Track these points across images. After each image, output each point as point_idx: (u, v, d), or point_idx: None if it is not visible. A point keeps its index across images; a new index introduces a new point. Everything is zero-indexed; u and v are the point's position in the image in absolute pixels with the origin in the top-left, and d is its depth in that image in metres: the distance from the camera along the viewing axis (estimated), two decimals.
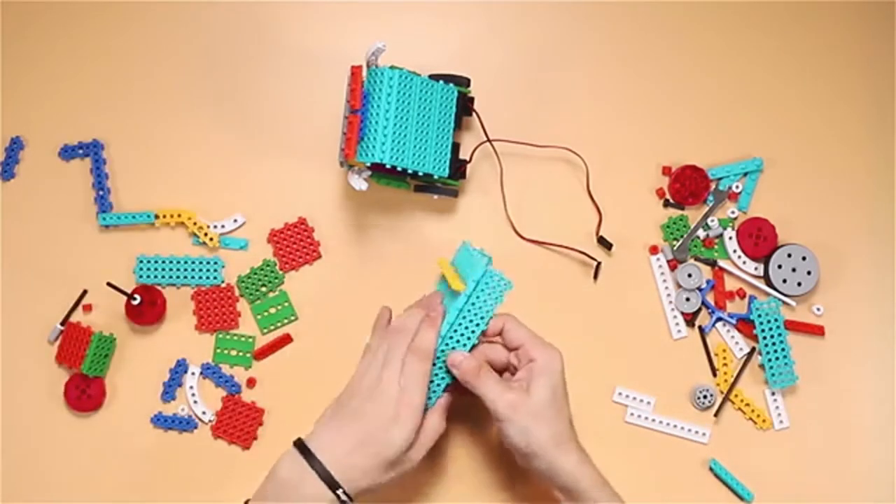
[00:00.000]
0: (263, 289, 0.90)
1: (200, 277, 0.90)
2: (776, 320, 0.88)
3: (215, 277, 0.90)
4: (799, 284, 0.90)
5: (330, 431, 0.76)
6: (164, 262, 0.90)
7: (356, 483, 0.74)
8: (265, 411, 0.89)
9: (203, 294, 0.89)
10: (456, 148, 0.88)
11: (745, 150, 0.92)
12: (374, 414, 0.75)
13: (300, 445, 0.76)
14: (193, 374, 0.89)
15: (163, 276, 0.90)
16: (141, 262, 0.90)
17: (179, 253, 0.90)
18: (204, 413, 0.88)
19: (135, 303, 0.87)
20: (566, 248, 0.90)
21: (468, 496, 0.88)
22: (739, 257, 0.91)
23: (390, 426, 0.74)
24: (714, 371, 0.90)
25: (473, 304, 0.78)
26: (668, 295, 0.90)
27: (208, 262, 0.90)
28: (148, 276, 0.90)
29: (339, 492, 0.73)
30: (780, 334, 0.88)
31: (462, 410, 0.85)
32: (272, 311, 0.90)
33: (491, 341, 0.81)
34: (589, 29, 0.93)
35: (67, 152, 0.91)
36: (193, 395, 0.89)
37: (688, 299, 0.90)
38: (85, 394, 0.88)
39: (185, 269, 0.90)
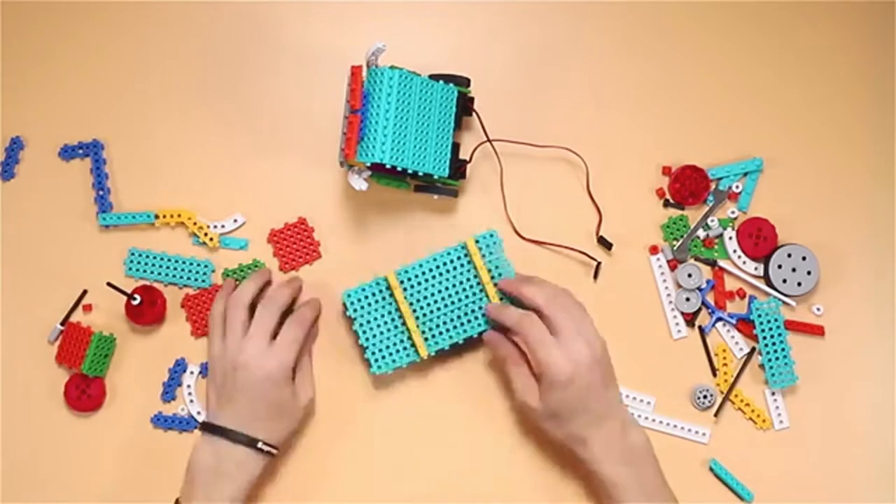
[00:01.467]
0: None
1: (189, 279, 0.90)
2: (776, 320, 0.88)
3: (204, 280, 0.90)
4: (799, 284, 0.89)
5: (224, 411, 0.82)
6: (155, 257, 0.90)
7: (264, 438, 0.81)
8: None
9: (193, 299, 0.89)
10: (456, 148, 0.88)
11: (745, 150, 0.92)
12: (255, 385, 0.81)
13: (208, 426, 0.82)
14: (192, 373, 0.89)
15: (152, 272, 0.90)
16: (132, 254, 0.90)
17: (181, 253, 0.90)
18: (199, 413, 0.88)
19: (135, 303, 0.87)
20: (566, 248, 0.90)
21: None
22: (739, 257, 0.91)
23: (272, 389, 0.81)
24: (714, 371, 0.90)
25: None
26: (668, 295, 0.90)
27: (198, 265, 0.90)
28: (138, 271, 0.90)
29: (259, 444, 0.80)
30: (780, 334, 0.88)
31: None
32: None
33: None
34: (589, 29, 0.93)
35: (67, 152, 0.91)
36: (191, 394, 0.89)
37: (688, 299, 0.90)
38: (85, 394, 0.88)
39: (176, 269, 0.90)
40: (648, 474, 0.80)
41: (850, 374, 0.90)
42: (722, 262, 0.91)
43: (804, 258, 0.89)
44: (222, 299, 0.86)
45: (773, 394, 0.89)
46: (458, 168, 0.88)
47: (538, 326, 0.80)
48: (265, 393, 0.81)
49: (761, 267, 0.91)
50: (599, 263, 0.90)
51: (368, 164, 0.83)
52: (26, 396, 0.89)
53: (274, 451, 0.82)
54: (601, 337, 0.82)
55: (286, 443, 0.85)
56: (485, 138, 0.89)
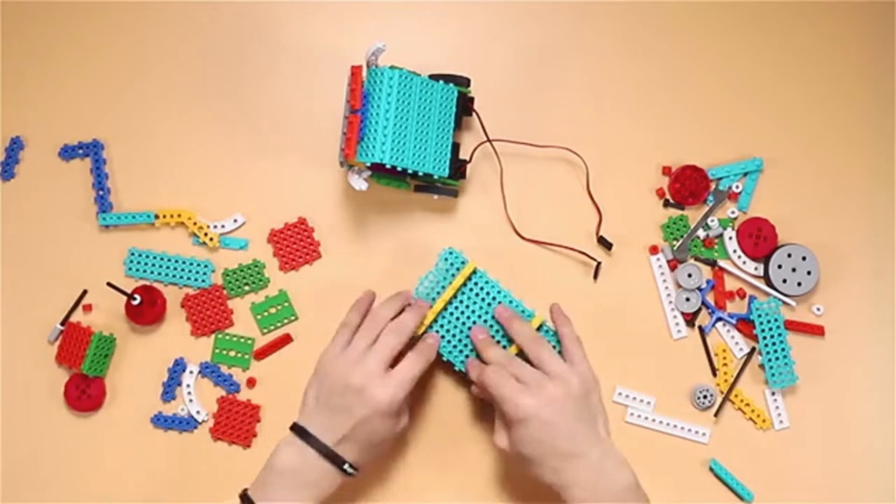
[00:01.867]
0: (246, 287, 0.90)
1: (189, 279, 0.90)
2: (776, 320, 0.88)
3: (203, 280, 0.90)
4: (799, 284, 0.90)
5: (322, 419, 0.79)
6: (155, 257, 0.90)
7: (352, 460, 0.79)
8: (261, 408, 0.89)
9: (192, 299, 0.90)
10: (456, 148, 0.88)
11: (745, 150, 0.92)
12: (361, 410, 0.78)
13: (300, 430, 0.79)
14: (192, 373, 0.89)
15: (152, 272, 0.90)
16: (132, 254, 0.90)
17: (181, 253, 0.90)
18: (198, 412, 0.88)
19: (135, 303, 0.87)
20: (566, 248, 0.90)
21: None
22: (739, 257, 0.91)
23: (376, 419, 0.78)
24: (714, 371, 0.90)
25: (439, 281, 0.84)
26: (668, 295, 0.90)
27: (198, 265, 0.90)
28: (138, 271, 0.90)
29: (346, 466, 0.78)
30: (779, 334, 0.88)
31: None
32: (272, 311, 0.90)
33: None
34: (589, 29, 0.93)
35: (67, 152, 0.91)
36: (190, 393, 0.89)
37: (688, 299, 0.90)
38: (85, 394, 0.88)
39: (176, 269, 0.90)
40: None
41: (850, 374, 0.90)
42: (722, 262, 0.91)
43: (804, 258, 0.89)
44: (359, 311, 0.84)
45: (773, 394, 0.89)
46: (458, 168, 0.88)
47: (503, 370, 0.79)
48: (369, 421, 0.78)
49: (761, 267, 0.91)
50: (599, 263, 0.90)
51: (368, 164, 0.83)
52: (26, 396, 0.89)
53: (356, 473, 0.79)
54: (591, 376, 0.80)
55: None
56: (485, 138, 0.89)
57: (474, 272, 0.84)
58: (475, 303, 0.84)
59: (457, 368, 0.84)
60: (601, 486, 0.75)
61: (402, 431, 0.82)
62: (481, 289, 0.84)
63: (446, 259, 0.84)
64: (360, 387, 0.77)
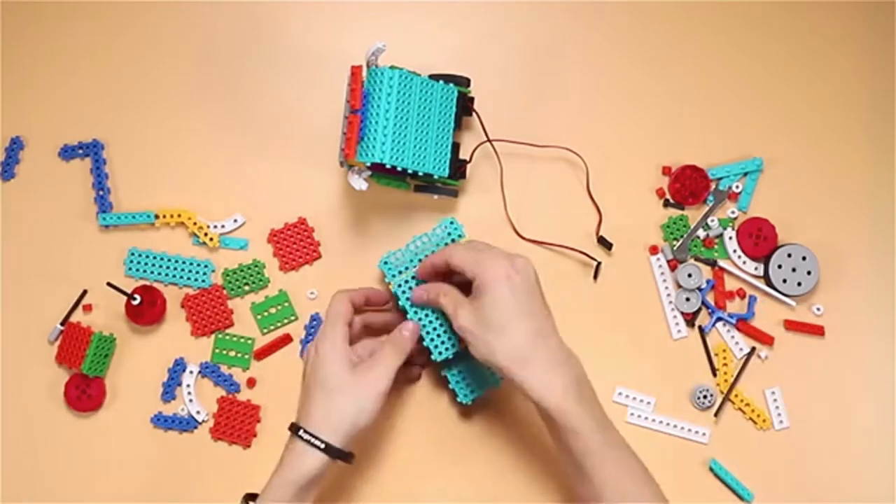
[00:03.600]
0: (246, 287, 0.90)
1: (189, 279, 0.90)
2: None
3: (204, 280, 0.90)
4: (799, 284, 0.90)
5: (314, 410, 0.79)
6: (155, 257, 0.90)
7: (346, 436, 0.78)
8: (262, 408, 0.89)
9: (192, 299, 0.90)
10: (456, 148, 0.88)
11: (745, 150, 0.92)
12: (317, 383, 0.79)
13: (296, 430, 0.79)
14: (192, 373, 0.89)
15: (152, 272, 0.90)
16: (132, 254, 0.90)
17: (181, 253, 0.90)
18: (198, 412, 0.88)
19: (135, 303, 0.87)
20: (566, 248, 0.90)
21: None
22: (739, 257, 0.91)
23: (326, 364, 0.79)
24: (714, 371, 0.90)
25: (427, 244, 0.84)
26: (668, 295, 0.90)
27: (198, 265, 0.90)
28: (138, 271, 0.90)
29: (301, 433, 0.77)
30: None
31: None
32: (272, 311, 0.90)
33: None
34: (589, 29, 0.93)
35: (67, 152, 0.91)
36: (190, 393, 0.89)
37: (688, 299, 0.90)
38: (85, 394, 0.88)
39: (176, 269, 0.90)
40: (602, 417, 0.76)
41: (850, 374, 0.90)
42: (722, 262, 0.91)
43: (804, 258, 0.89)
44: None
45: (773, 393, 0.89)
46: (458, 168, 0.88)
47: (464, 251, 0.78)
48: (313, 371, 0.79)
49: (761, 267, 0.91)
50: (599, 263, 0.90)
51: (368, 164, 0.83)
52: (26, 396, 0.89)
53: (317, 442, 0.76)
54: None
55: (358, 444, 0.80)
56: (485, 138, 0.89)
57: None
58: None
59: (432, 358, 0.82)
60: (566, 373, 0.75)
61: (376, 394, 0.78)
62: None
63: (445, 228, 0.85)
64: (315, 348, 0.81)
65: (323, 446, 0.76)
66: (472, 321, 0.76)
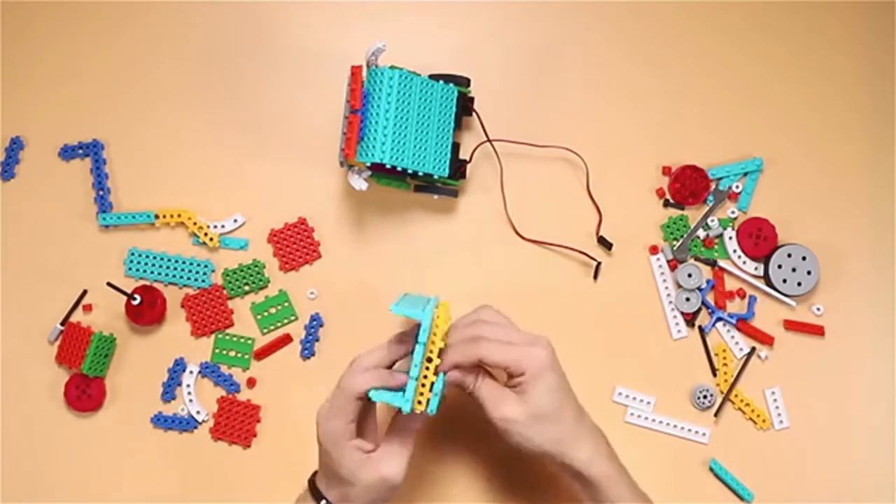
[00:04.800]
0: (246, 287, 0.90)
1: (189, 279, 0.90)
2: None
3: (204, 280, 0.90)
4: (799, 284, 0.90)
5: (331, 489, 0.77)
6: (155, 257, 0.90)
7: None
8: (262, 408, 0.89)
9: (193, 299, 0.90)
10: (456, 148, 0.88)
11: (745, 150, 0.92)
12: (339, 466, 0.75)
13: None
14: (192, 373, 0.89)
15: (152, 272, 0.90)
16: (132, 254, 0.90)
17: (181, 253, 0.90)
18: (198, 412, 0.88)
19: (135, 303, 0.87)
20: (566, 248, 0.90)
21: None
22: (739, 257, 0.91)
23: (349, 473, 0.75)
24: (714, 371, 0.90)
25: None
26: (668, 295, 0.90)
27: (198, 265, 0.90)
28: (138, 271, 0.90)
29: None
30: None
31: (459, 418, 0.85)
32: (272, 311, 0.90)
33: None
34: (589, 29, 0.93)
35: (67, 152, 0.91)
36: (190, 393, 0.89)
37: (688, 299, 0.90)
38: (85, 394, 0.88)
39: (176, 269, 0.90)
40: (625, 471, 0.78)
41: (850, 373, 0.90)
42: (722, 262, 0.91)
43: (804, 258, 0.89)
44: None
45: (773, 394, 0.89)
46: (458, 168, 0.88)
47: (496, 349, 0.75)
48: (324, 445, 0.75)
49: (761, 267, 0.91)
50: (599, 263, 0.90)
51: (368, 164, 0.83)
52: (26, 396, 0.89)
53: None
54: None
55: None
56: (485, 138, 0.89)
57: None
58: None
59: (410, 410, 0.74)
60: (603, 439, 0.78)
61: (391, 478, 0.75)
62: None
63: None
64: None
65: None
66: (521, 412, 0.75)
